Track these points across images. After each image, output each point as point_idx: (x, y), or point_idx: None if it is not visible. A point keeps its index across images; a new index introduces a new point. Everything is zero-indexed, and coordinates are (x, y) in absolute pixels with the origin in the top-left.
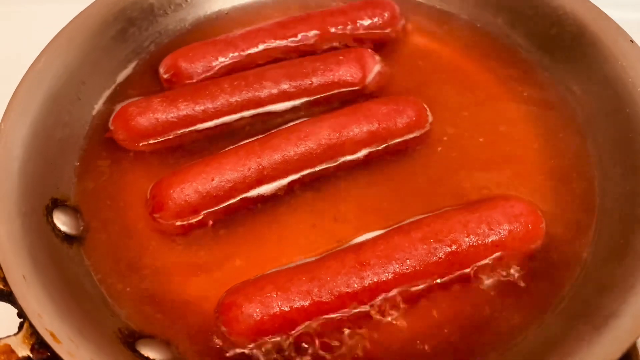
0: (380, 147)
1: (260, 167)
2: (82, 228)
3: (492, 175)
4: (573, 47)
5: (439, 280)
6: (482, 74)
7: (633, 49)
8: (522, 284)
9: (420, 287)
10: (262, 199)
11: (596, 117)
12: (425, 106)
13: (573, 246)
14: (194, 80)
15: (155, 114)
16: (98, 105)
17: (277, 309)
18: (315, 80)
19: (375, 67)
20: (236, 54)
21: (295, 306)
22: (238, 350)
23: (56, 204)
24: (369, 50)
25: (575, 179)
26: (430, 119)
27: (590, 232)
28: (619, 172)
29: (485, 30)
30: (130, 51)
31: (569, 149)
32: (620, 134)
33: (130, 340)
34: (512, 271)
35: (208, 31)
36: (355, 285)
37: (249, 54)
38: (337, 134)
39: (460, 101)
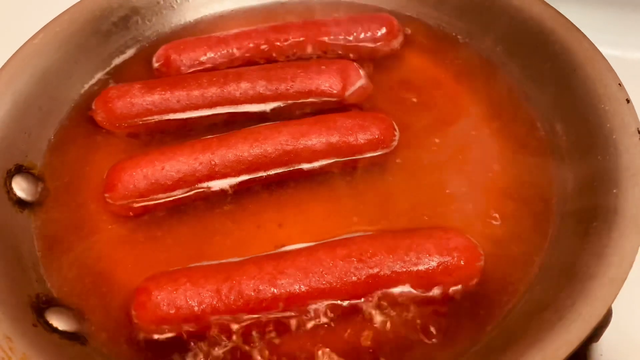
0: (338, 160)
1: (212, 163)
2: (38, 196)
3: (447, 206)
4: (563, 84)
5: (353, 301)
6: (469, 101)
7: (619, 93)
8: (439, 323)
9: (333, 304)
10: (211, 194)
11: (570, 159)
12: (395, 126)
13: (503, 295)
14: (182, 73)
15: (133, 99)
16: (88, 85)
17: (184, 302)
18: (293, 86)
19: (358, 81)
20: (225, 51)
21: (202, 302)
22: (143, 335)
23: (20, 170)
24: (354, 63)
25: (530, 228)
26: (396, 139)
27: (523, 285)
28: (572, 223)
29: (483, 57)
30: (130, 38)
31: (535, 192)
32: (587, 181)
33: (43, 306)
34: (428, 306)
35: (210, 28)
36: (265, 293)
37: (238, 53)
38: (295, 141)
39: (437, 126)
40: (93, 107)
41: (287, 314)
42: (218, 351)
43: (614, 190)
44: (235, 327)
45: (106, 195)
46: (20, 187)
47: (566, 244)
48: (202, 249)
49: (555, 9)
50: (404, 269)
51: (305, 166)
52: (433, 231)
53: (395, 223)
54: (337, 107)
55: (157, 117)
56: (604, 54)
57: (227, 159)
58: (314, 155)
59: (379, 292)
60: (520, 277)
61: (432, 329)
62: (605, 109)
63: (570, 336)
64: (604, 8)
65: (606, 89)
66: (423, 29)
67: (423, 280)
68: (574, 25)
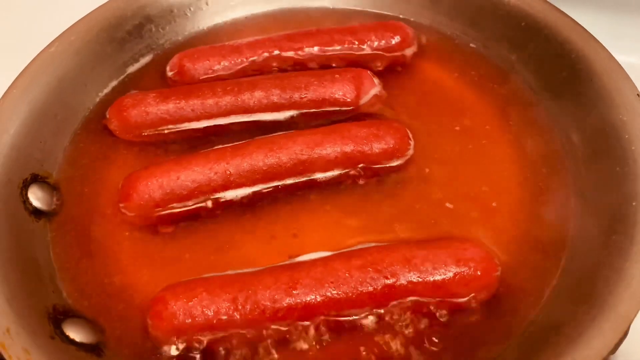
0: (353, 170)
1: (227, 172)
2: (54, 206)
3: (463, 217)
4: (580, 93)
5: (368, 312)
6: (484, 110)
7: (637, 103)
8: (454, 335)
9: (350, 317)
10: (226, 204)
11: (587, 170)
12: (410, 135)
13: (520, 308)
14: (196, 81)
15: (147, 108)
16: (103, 94)
17: (200, 312)
18: (307, 95)
19: (372, 89)
20: (239, 60)
21: (218, 312)
22: (159, 346)
23: (35, 179)
24: (368, 71)
25: (548, 240)
26: (411, 149)
27: (541, 299)
28: (591, 236)
29: (498, 66)
30: (145, 46)
31: (552, 204)
32: (606, 192)
33: (60, 317)
34: (445, 317)
35: (224, 36)
36: (281, 303)
37: (252, 62)
38: (310, 151)
39: (453, 136)
40: (107, 115)
41: (303, 324)
42: None
43: (634, 203)
44: (251, 337)
45: (121, 205)
46: (36, 197)
47: (585, 257)
48: (217, 258)
49: (571, 18)
50: (420, 279)
51: (320, 176)
52: (449, 242)
53: (410, 233)
54: (352, 115)
55: (171, 126)
56: (621, 62)
57: (242, 169)
58: (328, 164)
59: (394, 303)
60: (538, 290)
61: (447, 341)
62: (623, 120)
63: (591, 352)
64: (621, 15)
65: (624, 99)
66: (437, 38)
67: (439, 290)
68: (591, 34)
